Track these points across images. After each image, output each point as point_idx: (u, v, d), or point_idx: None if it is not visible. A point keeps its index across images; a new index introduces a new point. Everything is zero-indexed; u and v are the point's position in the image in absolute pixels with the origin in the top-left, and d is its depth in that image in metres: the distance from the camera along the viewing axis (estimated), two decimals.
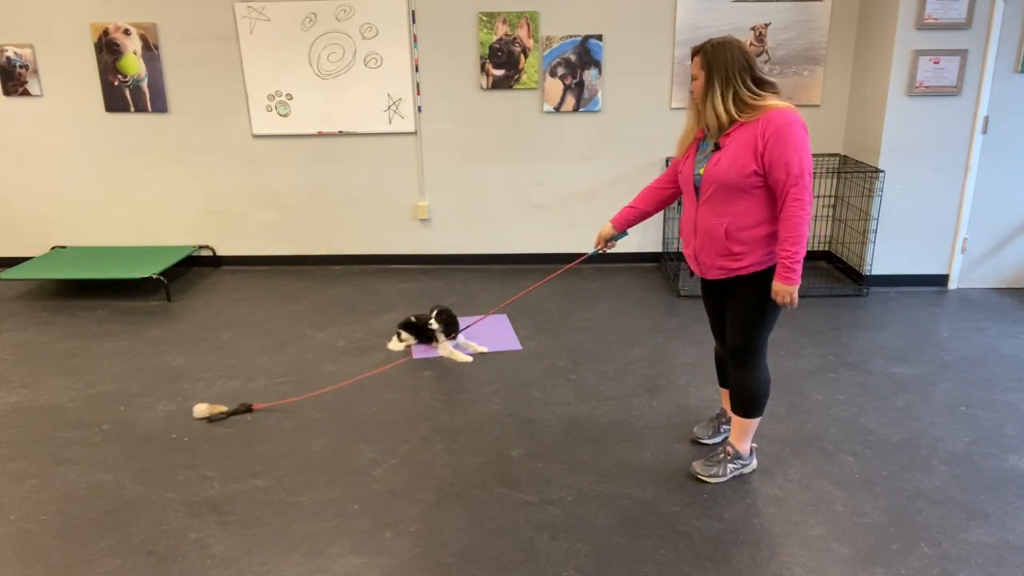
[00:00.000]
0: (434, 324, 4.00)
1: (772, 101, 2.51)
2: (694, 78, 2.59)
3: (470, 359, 3.95)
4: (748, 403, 2.82)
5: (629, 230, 3.07)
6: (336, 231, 5.51)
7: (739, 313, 2.72)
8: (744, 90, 2.51)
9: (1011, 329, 4.24)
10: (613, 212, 5.34)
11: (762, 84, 2.54)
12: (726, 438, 3.02)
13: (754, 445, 3.00)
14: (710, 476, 2.89)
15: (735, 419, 2.89)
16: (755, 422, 2.87)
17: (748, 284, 2.65)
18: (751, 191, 2.55)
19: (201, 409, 3.43)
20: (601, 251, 3.09)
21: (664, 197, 2.92)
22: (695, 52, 2.58)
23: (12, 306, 4.88)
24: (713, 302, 2.89)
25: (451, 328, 4.04)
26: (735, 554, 2.50)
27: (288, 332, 4.38)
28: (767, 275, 2.63)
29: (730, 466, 2.91)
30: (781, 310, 2.70)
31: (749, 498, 2.78)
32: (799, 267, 2.52)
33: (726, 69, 2.49)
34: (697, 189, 2.67)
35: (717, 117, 2.54)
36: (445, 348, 4.00)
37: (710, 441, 3.14)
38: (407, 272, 5.44)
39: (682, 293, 4.84)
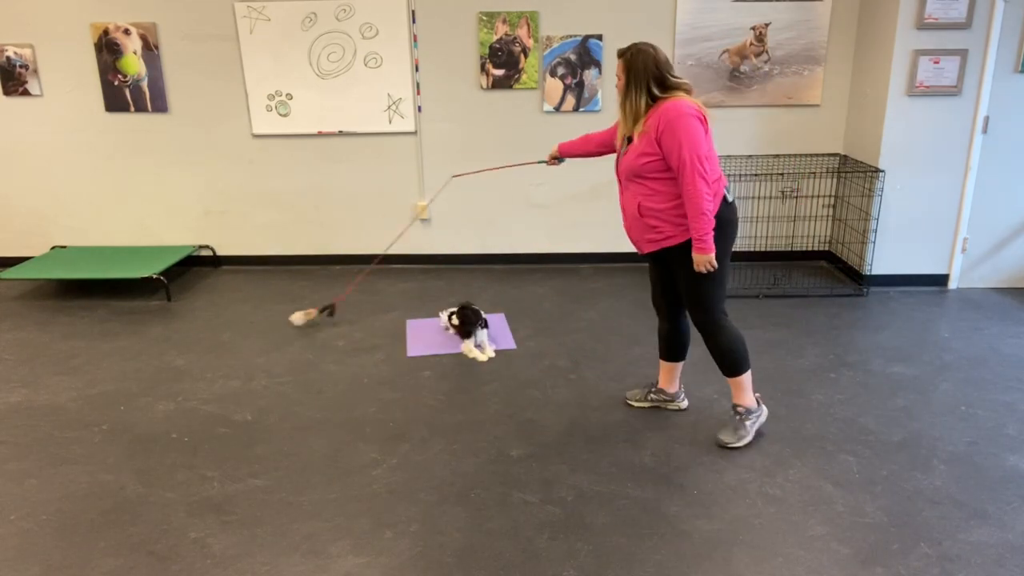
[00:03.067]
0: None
1: (675, 96, 2.81)
2: (617, 77, 2.92)
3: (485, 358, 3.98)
4: (728, 363, 3.07)
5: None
6: (336, 231, 5.51)
7: (684, 283, 2.99)
8: (656, 90, 2.82)
9: (1011, 329, 4.24)
10: (613, 212, 5.34)
11: (670, 90, 2.83)
12: (657, 404, 3.43)
13: (758, 395, 3.22)
14: (738, 440, 3.11)
15: (728, 381, 3.14)
16: (746, 376, 3.10)
17: (680, 255, 2.93)
18: (653, 175, 2.87)
19: (298, 317, 4.05)
20: (547, 164, 3.55)
21: (606, 148, 3.29)
22: (619, 55, 2.90)
23: (12, 306, 4.88)
24: (654, 274, 3.19)
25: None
26: (735, 554, 2.50)
27: (288, 332, 4.38)
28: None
29: (748, 423, 3.13)
30: (726, 272, 2.98)
31: (749, 498, 2.78)
32: (708, 237, 2.81)
33: (638, 75, 2.82)
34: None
35: (634, 114, 2.87)
36: (469, 347, 4.03)
37: (636, 404, 3.45)
38: (407, 272, 5.44)
39: None
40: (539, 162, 3.71)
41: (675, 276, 3.04)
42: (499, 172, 5.28)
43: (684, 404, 3.42)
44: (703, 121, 2.81)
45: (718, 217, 2.86)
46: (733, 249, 3.02)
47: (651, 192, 2.90)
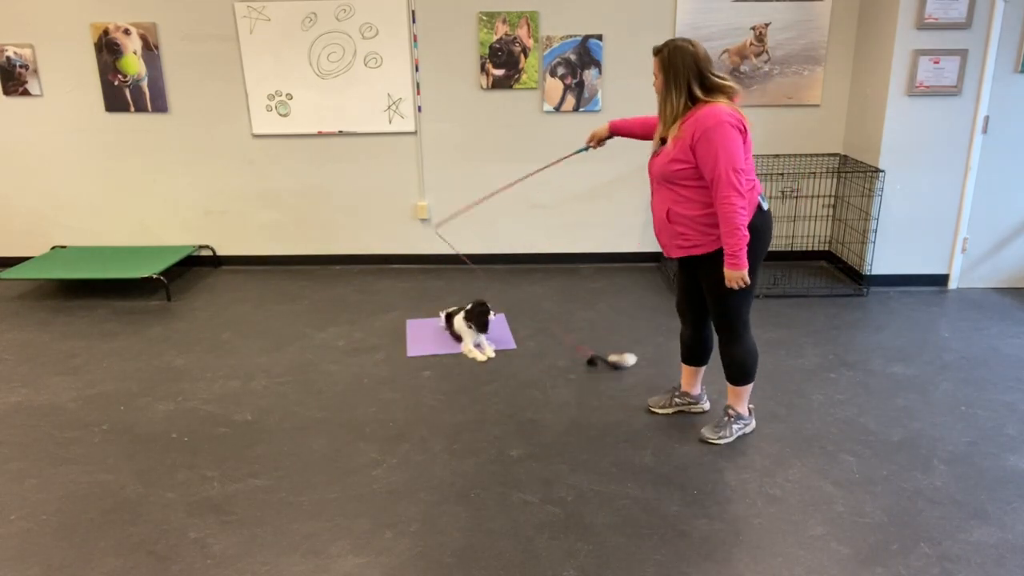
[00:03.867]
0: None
1: (715, 101, 2.69)
2: (655, 76, 2.82)
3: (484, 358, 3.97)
4: (737, 373, 3.08)
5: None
6: (336, 231, 5.51)
7: (710, 292, 2.95)
8: (698, 90, 2.71)
9: (1011, 329, 4.24)
10: (613, 212, 5.35)
11: (713, 91, 2.72)
12: (682, 408, 3.38)
13: (751, 406, 3.24)
14: (719, 438, 3.13)
15: (729, 387, 3.14)
16: (748, 387, 3.12)
17: (709, 264, 2.87)
18: (685, 181, 2.79)
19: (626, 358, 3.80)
20: (591, 148, 3.35)
21: (644, 136, 3.19)
22: (655, 53, 2.79)
23: (12, 306, 4.88)
24: (681, 278, 3.14)
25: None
26: (735, 554, 2.50)
27: (288, 332, 4.38)
28: (722, 255, 2.83)
29: (734, 427, 3.16)
30: (754, 283, 2.90)
31: (749, 498, 2.78)
32: (742, 253, 2.74)
33: (677, 73, 2.71)
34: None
35: (672, 115, 2.77)
36: (468, 345, 4.04)
37: (661, 411, 3.39)
38: (407, 272, 5.44)
39: None
40: (579, 151, 3.45)
41: (701, 284, 2.99)
42: (499, 172, 5.28)
43: (707, 406, 3.39)
44: (743, 131, 2.69)
45: (751, 226, 2.78)
46: None
47: (681, 199, 2.82)
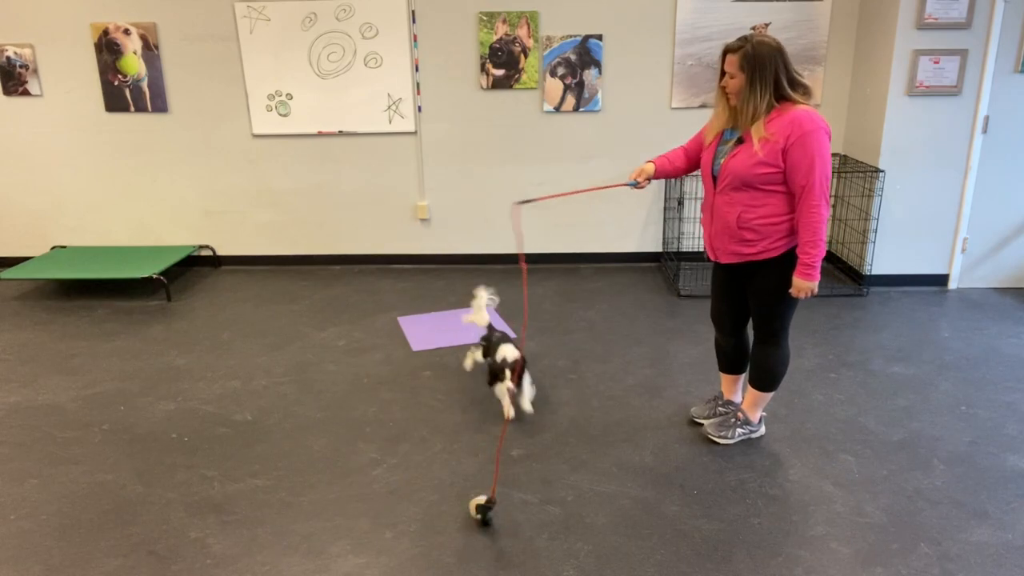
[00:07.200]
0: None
1: (802, 102, 2.63)
2: (730, 76, 2.64)
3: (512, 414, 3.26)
4: (766, 378, 3.01)
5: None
6: (336, 231, 5.51)
7: (760, 297, 2.87)
8: (786, 87, 2.60)
9: (1011, 329, 4.24)
10: (613, 212, 5.35)
11: (795, 86, 2.63)
12: (738, 405, 3.22)
13: (764, 414, 3.20)
14: (720, 437, 3.13)
15: (751, 390, 3.08)
16: (770, 395, 3.07)
17: (766, 269, 2.80)
18: (767, 186, 2.67)
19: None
20: (638, 185, 3.01)
21: (693, 163, 3.03)
22: (731, 50, 2.62)
23: (12, 306, 4.88)
24: (723, 285, 3.03)
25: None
26: (735, 554, 2.50)
27: (288, 332, 4.38)
28: (783, 260, 2.76)
29: (739, 430, 3.13)
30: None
31: (749, 498, 2.78)
32: (819, 264, 2.68)
33: (764, 69, 2.57)
34: (715, 179, 2.80)
35: (753, 114, 2.62)
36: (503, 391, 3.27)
37: (706, 422, 3.27)
38: (407, 272, 5.44)
39: (682, 293, 4.84)
40: (628, 184, 3.04)
41: (749, 289, 2.89)
42: (499, 172, 5.29)
43: (763, 430, 3.24)
44: (830, 138, 2.63)
45: None
46: None
47: (758, 204, 2.70)
